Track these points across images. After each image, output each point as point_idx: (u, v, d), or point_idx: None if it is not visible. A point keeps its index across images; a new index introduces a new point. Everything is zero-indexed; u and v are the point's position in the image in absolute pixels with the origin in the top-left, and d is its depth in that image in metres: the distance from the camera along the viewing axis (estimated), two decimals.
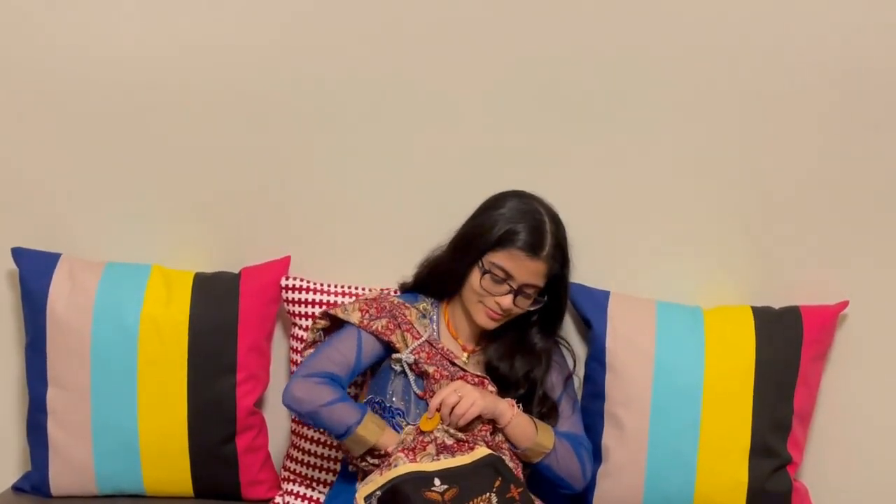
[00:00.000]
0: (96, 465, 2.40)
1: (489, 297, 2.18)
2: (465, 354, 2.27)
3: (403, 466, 2.03)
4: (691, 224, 2.46)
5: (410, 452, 2.08)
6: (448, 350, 2.22)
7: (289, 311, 2.47)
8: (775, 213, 2.44)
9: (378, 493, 2.01)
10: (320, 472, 2.43)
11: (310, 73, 2.46)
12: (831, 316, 2.39)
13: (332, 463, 2.43)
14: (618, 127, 2.43)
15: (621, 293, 2.43)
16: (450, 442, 2.11)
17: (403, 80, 2.45)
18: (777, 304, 2.41)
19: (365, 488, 2.04)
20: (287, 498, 2.45)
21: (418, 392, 2.20)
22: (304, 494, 2.45)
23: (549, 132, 2.45)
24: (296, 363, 2.45)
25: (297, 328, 2.46)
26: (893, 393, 2.46)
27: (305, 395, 2.14)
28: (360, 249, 2.51)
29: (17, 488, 2.48)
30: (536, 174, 2.44)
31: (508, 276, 2.16)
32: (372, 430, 2.12)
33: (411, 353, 2.19)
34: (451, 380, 2.17)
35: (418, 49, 2.44)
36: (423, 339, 2.21)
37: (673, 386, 2.31)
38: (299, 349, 2.44)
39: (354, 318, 2.22)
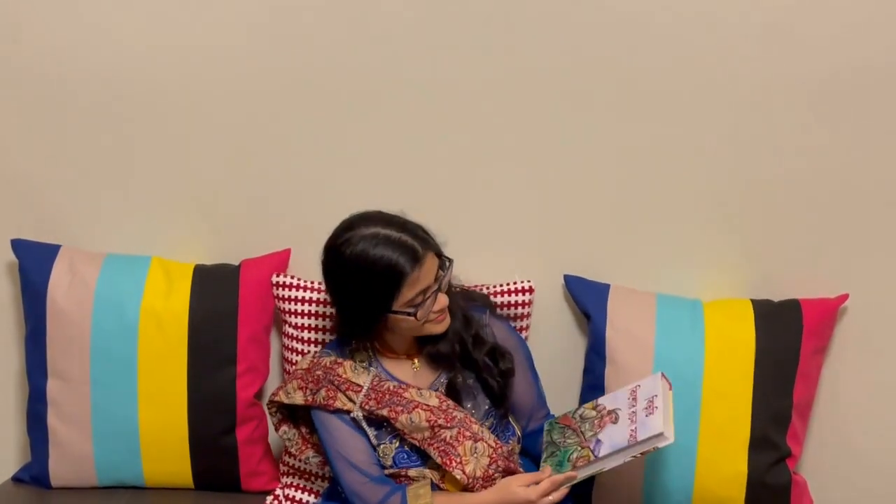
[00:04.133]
0: (96, 457, 2.40)
1: (428, 314, 2.12)
2: (414, 362, 2.23)
3: None
4: (691, 217, 2.46)
5: None
6: (394, 387, 2.16)
7: (280, 309, 2.47)
8: (775, 206, 2.44)
9: None
10: (316, 467, 2.41)
11: (314, 69, 2.45)
12: (831, 309, 2.39)
13: None
14: (618, 122, 2.43)
15: (621, 286, 2.43)
16: None
17: (408, 77, 2.44)
18: (777, 298, 2.42)
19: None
20: (287, 490, 2.45)
21: (374, 442, 2.16)
22: (304, 486, 2.45)
23: (550, 129, 2.44)
24: (289, 361, 2.46)
25: (287, 326, 2.46)
26: (893, 386, 2.47)
27: None
28: None
29: (16, 479, 2.49)
30: (537, 170, 2.45)
31: (426, 291, 2.10)
32: (419, 494, 2.10)
33: (360, 407, 2.15)
34: (408, 413, 2.12)
35: (421, 46, 2.43)
36: (365, 388, 2.15)
37: (672, 379, 2.30)
38: (291, 347, 2.45)
39: (298, 398, 2.19)
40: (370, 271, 2.05)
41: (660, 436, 1.93)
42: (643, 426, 1.95)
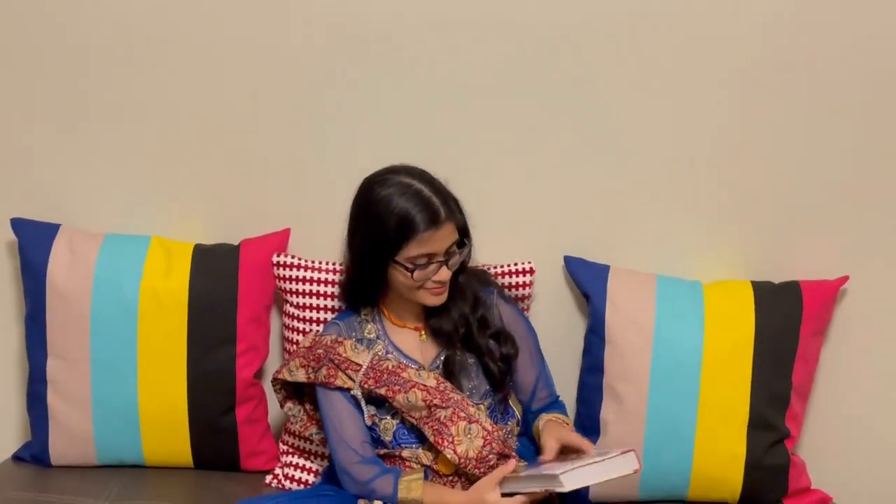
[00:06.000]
0: (96, 436, 2.41)
1: (426, 280, 2.15)
2: (421, 334, 2.25)
3: None
4: (692, 199, 2.46)
5: None
6: (392, 367, 2.18)
7: (281, 288, 2.47)
8: (776, 188, 2.44)
9: None
10: (318, 445, 2.43)
11: (314, 47, 2.45)
12: (831, 291, 2.40)
13: None
14: (618, 104, 2.43)
15: (621, 267, 2.43)
16: None
17: (409, 60, 2.44)
18: (777, 279, 2.42)
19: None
20: (286, 469, 2.46)
21: (375, 419, 2.19)
22: (303, 465, 2.46)
23: (551, 112, 2.44)
24: (289, 340, 2.46)
25: (289, 305, 2.46)
26: (892, 368, 2.47)
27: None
28: None
29: (17, 458, 2.49)
30: (537, 152, 2.45)
31: (431, 256, 2.12)
32: (411, 487, 2.11)
33: (359, 386, 2.17)
34: (405, 393, 2.14)
35: (423, 33, 2.42)
36: (364, 367, 2.17)
37: (672, 360, 2.31)
38: (292, 326, 2.45)
39: (301, 376, 2.22)
40: (388, 214, 2.10)
41: (554, 478, 1.96)
42: (557, 466, 2.01)
